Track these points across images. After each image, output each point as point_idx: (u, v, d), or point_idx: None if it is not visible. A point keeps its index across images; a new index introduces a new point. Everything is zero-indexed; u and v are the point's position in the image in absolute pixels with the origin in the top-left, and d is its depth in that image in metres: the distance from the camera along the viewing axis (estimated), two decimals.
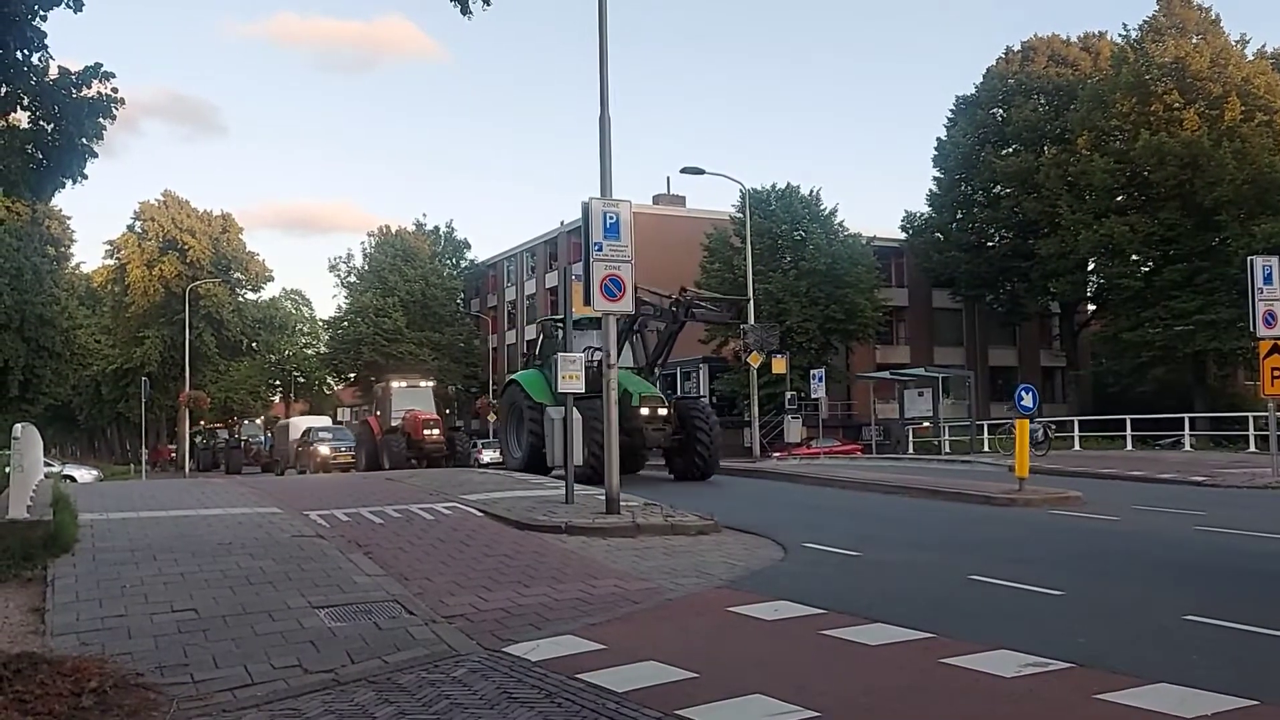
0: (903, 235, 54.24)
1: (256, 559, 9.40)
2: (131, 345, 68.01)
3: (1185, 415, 31.41)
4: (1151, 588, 8.34)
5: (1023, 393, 16.15)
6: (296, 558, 9.49)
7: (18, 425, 13.85)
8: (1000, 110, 51.30)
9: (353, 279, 71.09)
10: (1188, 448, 29.44)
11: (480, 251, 76.72)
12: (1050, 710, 5.14)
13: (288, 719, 5.30)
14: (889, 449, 37.38)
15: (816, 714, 5.00)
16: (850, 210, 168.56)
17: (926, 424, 36.62)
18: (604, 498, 12.46)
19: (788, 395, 33.20)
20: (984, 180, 50.37)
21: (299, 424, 44.43)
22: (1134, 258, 43.87)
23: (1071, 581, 8.40)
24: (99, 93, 10.47)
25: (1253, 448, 26.67)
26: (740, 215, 39.73)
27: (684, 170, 34.10)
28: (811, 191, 47.93)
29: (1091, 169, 42.86)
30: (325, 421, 44.52)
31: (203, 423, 65.20)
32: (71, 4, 10.23)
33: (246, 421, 58.59)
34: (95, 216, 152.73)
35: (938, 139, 52.42)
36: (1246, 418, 29.31)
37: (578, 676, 5.73)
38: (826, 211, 47.67)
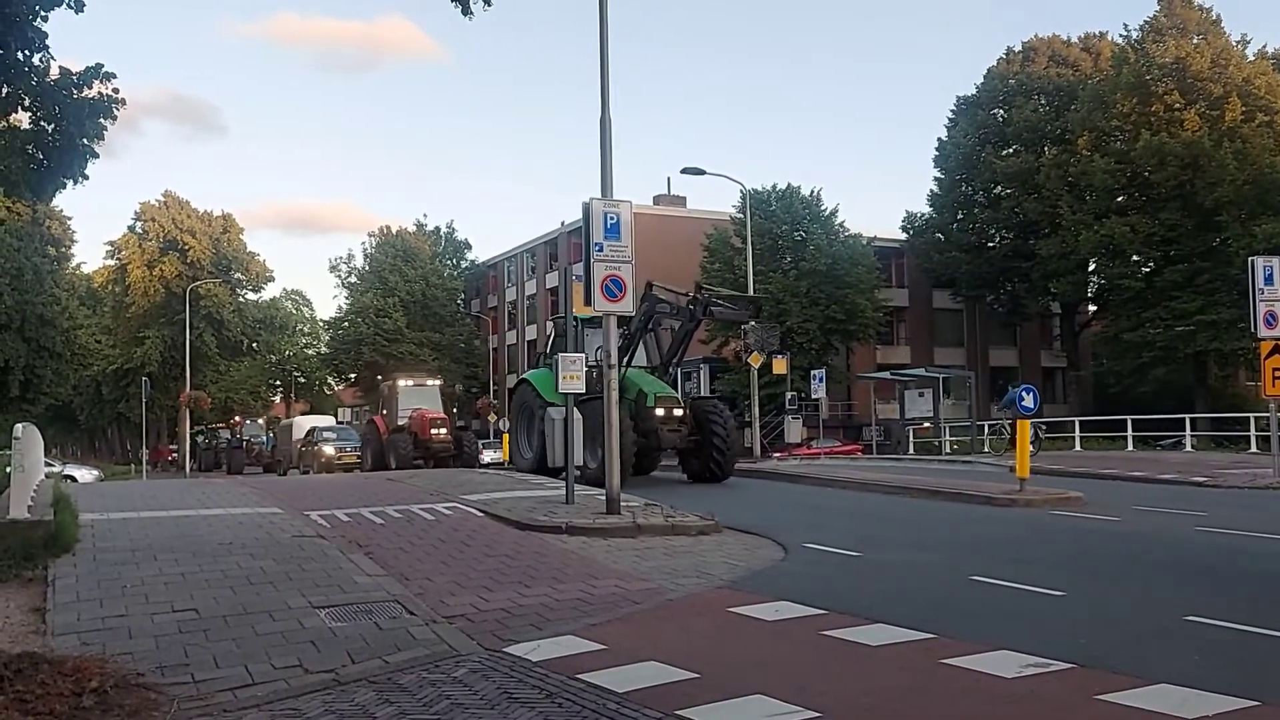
0: (903, 235, 54.26)
1: (257, 559, 9.40)
2: (132, 345, 68.08)
3: (1186, 416, 31.37)
4: (1152, 588, 8.34)
5: (1024, 393, 16.12)
6: (297, 558, 9.49)
7: (18, 425, 13.84)
8: (1001, 111, 51.31)
9: (353, 279, 71.12)
10: (1189, 448, 29.42)
11: (481, 252, 76.89)
12: (1051, 711, 5.14)
13: (288, 719, 5.30)
14: (889, 449, 37.39)
15: (817, 714, 5.00)
16: (851, 210, 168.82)
17: (927, 424, 36.61)
18: (604, 498, 12.46)
19: (788, 396, 33.19)
20: (985, 181, 50.38)
21: (302, 423, 43.84)
22: (1135, 258, 43.89)
23: (1072, 582, 8.40)
24: (100, 93, 10.45)
25: (1254, 448, 26.66)
26: (741, 216, 39.75)
27: (684, 171, 34.14)
28: (812, 192, 48.01)
29: (1092, 169, 42.86)
30: (330, 421, 44.07)
31: (205, 423, 65.19)
32: (72, 5, 10.23)
33: (248, 421, 58.46)
34: (96, 217, 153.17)
35: (938, 139, 52.50)
36: (1248, 418, 29.31)
37: (578, 677, 5.72)
38: (827, 212, 47.70)
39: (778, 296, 43.00)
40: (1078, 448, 31.18)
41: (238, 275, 73.47)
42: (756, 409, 32.17)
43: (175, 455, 62.07)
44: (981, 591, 8.26)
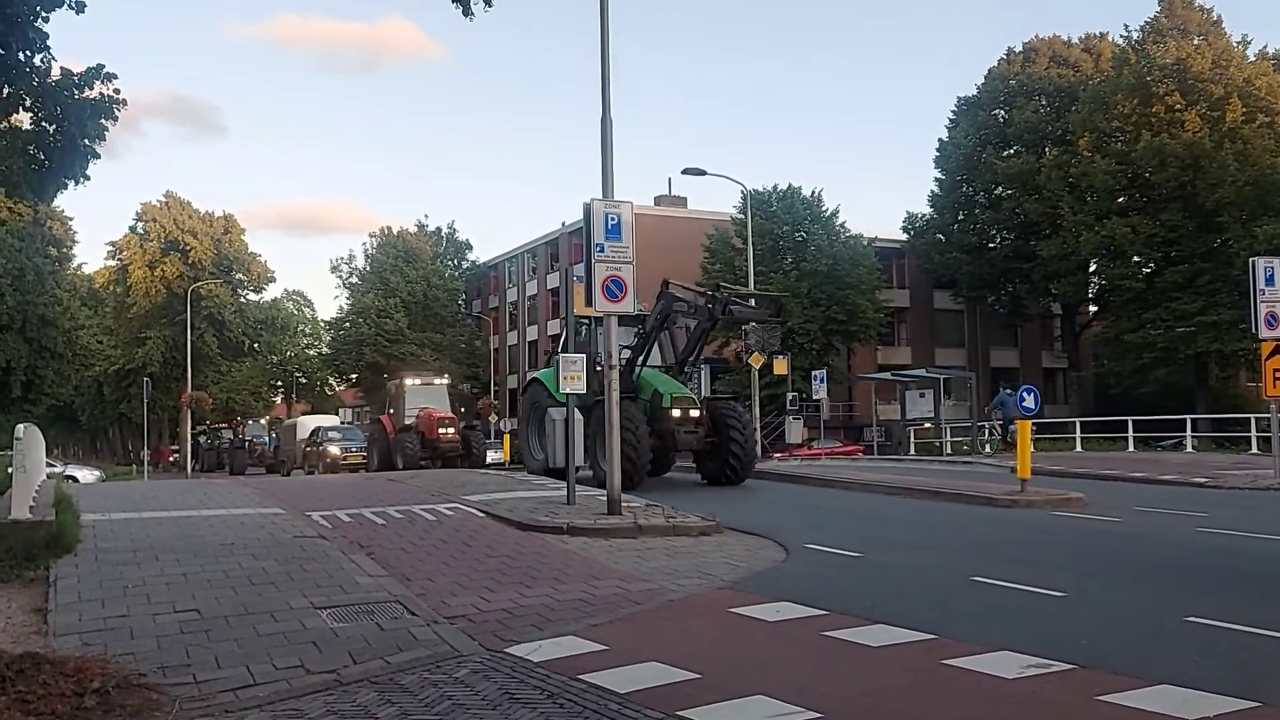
0: (904, 236, 54.25)
1: (259, 559, 9.41)
2: (133, 346, 68.13)
3: (1187, 416, 31.35)
4: (1153, 589, 8.34)
5: (1024, 393, 16.13)
6: (299, 558, 9.50)
7: (20, 426, 13.86)
8: (1002, 111, 51.31)
9: (354, 280, 71.20)
10: (1189, 449, 29.39)
11: (481, 252, 76.96)
12: (1052, 711, 5.14)
13: (290, 719, 5.31)
14: (890, 450, 37.34)
15: (818, 715, 5.00)
16: (851, 211, 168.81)
17: (928, 425, 36.58)
18: (605, 499, 12.46)
19: (789, 396, 33.17)
20: (985, 181, 50.35)
21: (306, 423, 43.25)
22: (1135, 259, 43.86)
23: (1073, 583, 8.40)
24: (101, 94, 10.48)
25: (1255, 449, 26.64)
26: (741, 216, 39.73)
27: (685, 171, 34.04)
28: (813, 192, 48.02)
29: (1093, 170, 42.84)
30: (335, 420, 43.66)
31: (208, 423, 65.21)
32: (73, 5, 10.26)
33: (251, 421, 58.38)
34: (97, 217, 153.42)
35: (939, 140, 52.45)
36: (1248, 419, 29.29)
37: (580, 677, 5.73)
38: (828, 212, 47.69)
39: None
40: (1078, 448, 31.17)
41: (239, 276, 73.53)
42: (757, 410, 32.11)
43: (177, 456, 62.06)
44: (982, 592, 8.26)
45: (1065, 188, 44.83)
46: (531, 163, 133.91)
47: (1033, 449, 16.82)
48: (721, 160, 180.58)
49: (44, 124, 10.39)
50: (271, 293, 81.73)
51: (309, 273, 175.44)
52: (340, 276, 72.67)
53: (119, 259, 71.51)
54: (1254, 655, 6.11)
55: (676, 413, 19.15)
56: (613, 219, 12.43)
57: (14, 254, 42.51)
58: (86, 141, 10.43)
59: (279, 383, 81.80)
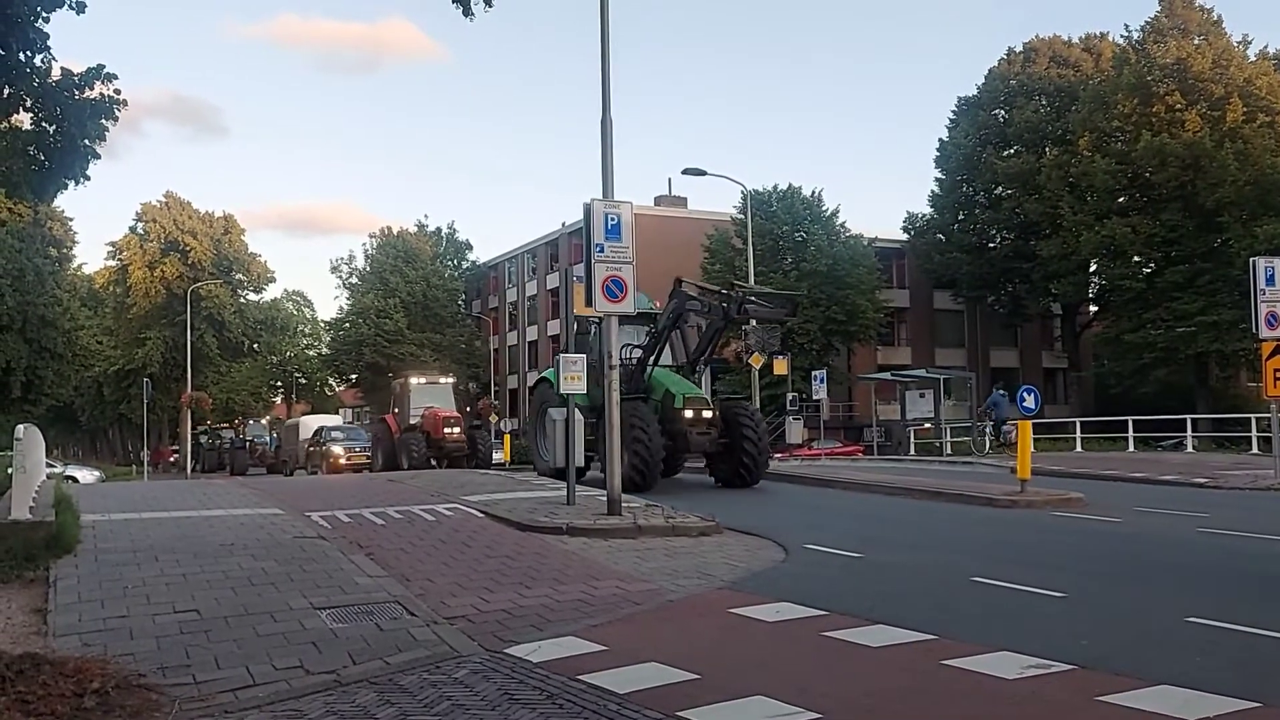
0: (904, 236, 54.29)
1: (258, 560, 9.40)
2: (133, 346, 68.10)
3: (1187, 417, 31.35)
4: (1153, 589, 8.34)
5: (1025, 394, 16.12)
6: (298, 559, 9.49)
7: (20, 426, 13.87)
8: (1002, 111, 51.34)
9: (354, 280, 71.21)
10: (1190, 449, 29.40)
11: (481, 252, 76.94)
12: (1053, 712, 5.14)
13: (289, 719, 5.31)
14: (890, 450, 37.35)
15: (818, 715, 5.00)
16: (851, 211, 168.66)
17: (928, 425, 36.58)
18: (605, 499, 12.46)
19: (789, 396, 33.16)
20: (985, 181, 50.38)
21: (309, 423, 42.87)
22: (1136, 259, 43.90)
23: (1074, 583, 8.40)
24: (101, 94, 10.48)
25: (1255, 449, 26.63)
26: (741, 216, 39.75)
27: (685, 171, 33.94)
28: (813, 192, 48.05)
29: (1093, 170, 42.86)
30: (338, 420, 43.36)
31: (208, 423, 65.22)
32: (74, 6, 10.26)
33: (251, 421, 58.33)
34: (97, 218, 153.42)
35: (939, 140, 52.51)
36: (1249, 419, 29.27)
37: (579, 678, 5.73)
38: (828, 213, 47.73)
39: None
40: (1079, 449, 31.17)
41: (239, 276, 73.47)
42: (757, 410, 32.10)
43: (177, 456, 62.06)
44: (983, 593, 8.25)
45: (1065, 188, 44.86)
46: (531, 163, 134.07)
47: (1033, 449, 16.82)
48: (721, 160, 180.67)
49: (44, 124, 10.39)
50: (271, 293, 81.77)
51: (309, 273, 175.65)
52: (340, 277, 72.81)
53: (119, 259, 71.46)
54: (1254, 655, 6.11)
55: (689, 413, 18.73)
56: (613, 219, 12.42)
57: (14, 254, 42.54)
58: (87, 142, 10.44)
59: (279, 383, 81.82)
